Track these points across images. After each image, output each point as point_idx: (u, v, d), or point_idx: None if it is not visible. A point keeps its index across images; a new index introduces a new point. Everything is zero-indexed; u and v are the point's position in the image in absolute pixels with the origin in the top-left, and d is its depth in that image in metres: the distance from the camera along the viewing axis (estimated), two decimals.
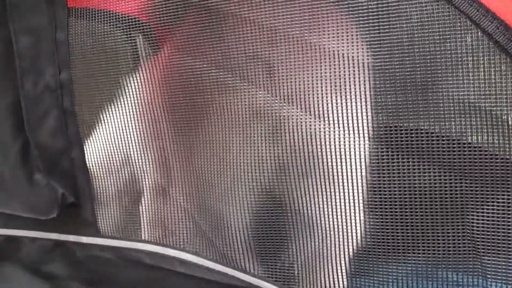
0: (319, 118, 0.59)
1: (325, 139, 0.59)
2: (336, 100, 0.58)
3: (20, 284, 0.86)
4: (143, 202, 0.78)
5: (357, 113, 0.57)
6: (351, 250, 0.62)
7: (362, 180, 0.59)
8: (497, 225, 0.54)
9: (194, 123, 0.69)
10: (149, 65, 0.72)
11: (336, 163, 0.59)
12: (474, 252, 0.56)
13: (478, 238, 0.55)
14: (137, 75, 0.72)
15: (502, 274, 0.55)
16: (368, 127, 0.57)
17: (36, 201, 0.81)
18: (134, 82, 0.73)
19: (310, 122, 0.60)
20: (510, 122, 0.53)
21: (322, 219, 0.62)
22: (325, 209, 0.61)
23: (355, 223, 0.61)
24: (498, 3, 0.51)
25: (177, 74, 0.68)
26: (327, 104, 0.58)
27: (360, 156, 0.59)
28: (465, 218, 0.56)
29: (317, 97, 0.58)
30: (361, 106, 0.57)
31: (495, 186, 0.54)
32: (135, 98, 0.73)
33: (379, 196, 0.59)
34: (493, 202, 0.54)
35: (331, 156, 0.59)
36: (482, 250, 0.55)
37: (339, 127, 0.58)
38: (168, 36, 0.68)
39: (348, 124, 0.58)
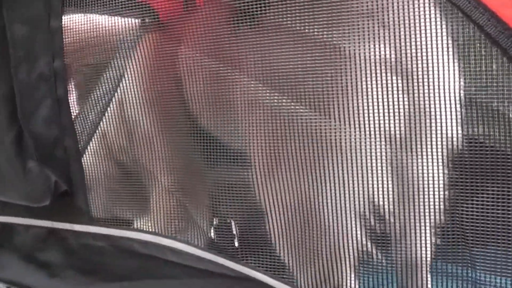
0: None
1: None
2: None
3: (15, 271, 0.86)
4: (137, 192, 0.78)
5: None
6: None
7: None
8: (487, 216, 0.54)
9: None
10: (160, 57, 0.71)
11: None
12: (463, 243, 0.56)
13: (468, 229, 0.55)
14: (142, 65, 0.73)
15: (491, 265, 0.55)
16: None
17: (29, 189, 0.81)
18: (139, 71, 0.73)
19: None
20: (500, 113, 0.53)
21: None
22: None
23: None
24: None
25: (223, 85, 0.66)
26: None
27: None
28: (455, 209, 0.56)
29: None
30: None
31: (486, 177, 0.54)
32: (142, 91, 0.73)
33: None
34: (483, 193, 0.54)
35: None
36: (471, 241, 0.56)
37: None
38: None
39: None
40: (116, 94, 0.76)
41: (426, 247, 0.60)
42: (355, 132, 0.58)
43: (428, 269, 0.62)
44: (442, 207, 0.57)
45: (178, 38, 0.68)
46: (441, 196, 0.57)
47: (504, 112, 0.52)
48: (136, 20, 0.72)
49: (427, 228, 0.58)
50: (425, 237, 0.59)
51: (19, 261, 0.87)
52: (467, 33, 0.52)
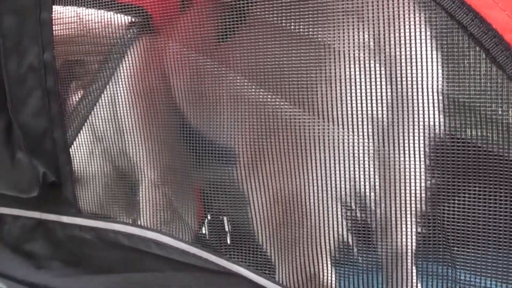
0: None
1: None
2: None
3: (1, 261, 0.87)
4: (123, 185, 0.78)
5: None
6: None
7: None
8: (467, 217, 0.54)
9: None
10: (151, 55, 0.72)
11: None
12: (444, 242, 0.56)
13: (449, 229, 0.56)
14: (134, 63, 0.73)
15: (471, 264, 0.55)
16: None
17: (18, 179, 0.81)
18: (129, 69, 0.73)
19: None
20: (482, 113, 0.53)
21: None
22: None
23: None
24: None
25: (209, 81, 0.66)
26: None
27: None
28: (436, 209, 0.56)
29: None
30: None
31: (467, 177, 0.54)
32: (133, 88, 0.73)
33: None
34: (464, 193, 0.54)
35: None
36: (452, 241, 0.56)
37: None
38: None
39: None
40: (106, 89, 0.76)
41: (409, 236, 0.60)
42: (338, 122, 0.59)
43: (412, 258, 0.62)
44: (423, 196, 0.57)
45: (166, 34, 0.68)
46: (422, 185, 0.57)
47: (486, 112, 0.53)
48: (128, 18, 0.72)
49: (409, 217, 0.58)
50: (407, 226, 0.59)
51: (6, 252, 0.87)
52: (451, 33, 0.52)
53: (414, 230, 0.60)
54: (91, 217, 0.79)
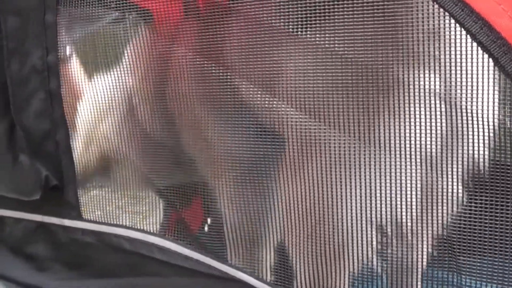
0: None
1: None
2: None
3: (2, 263, 0.86)
4: (126, 189, 0.78)
5: None
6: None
7: None
8: (473, 226, 0.54)
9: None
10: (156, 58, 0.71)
11: None
12: (450, 252, 0.56)
13: (454, 239, 0.55)
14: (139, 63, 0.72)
15: (477, 273, 0.55)
16: None
17: (20, 182, 0.81)
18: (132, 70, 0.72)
19: None
20: (490, 123, 0.53)
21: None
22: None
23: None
24: (483, 3, 0.50)
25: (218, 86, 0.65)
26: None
27: None
28: (442, 218, 0.56)
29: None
30: None
31: (473, 188, 0.54)
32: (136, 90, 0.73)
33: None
34: (470, 203, 0.54)
35: None
36: (458, 251, 0.56)
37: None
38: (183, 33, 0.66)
39: None
40: (113, 92, 0.76)
41: (422, 258, 0.60)
42: (386, 148, 0.58)
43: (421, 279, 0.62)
44: (446, 221, 0.57)
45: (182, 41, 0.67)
46: (451, 212, 0.57)
47: (494, 121, 0.52)
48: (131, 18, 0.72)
49: (429, 240, 0.58)
50: (425, 248, 0.59)
51: (7, 253, 0.87)
52: (459, 42, 0.52)
53: (427, 251, 0.60)
54: (93, 220, 0.79)
